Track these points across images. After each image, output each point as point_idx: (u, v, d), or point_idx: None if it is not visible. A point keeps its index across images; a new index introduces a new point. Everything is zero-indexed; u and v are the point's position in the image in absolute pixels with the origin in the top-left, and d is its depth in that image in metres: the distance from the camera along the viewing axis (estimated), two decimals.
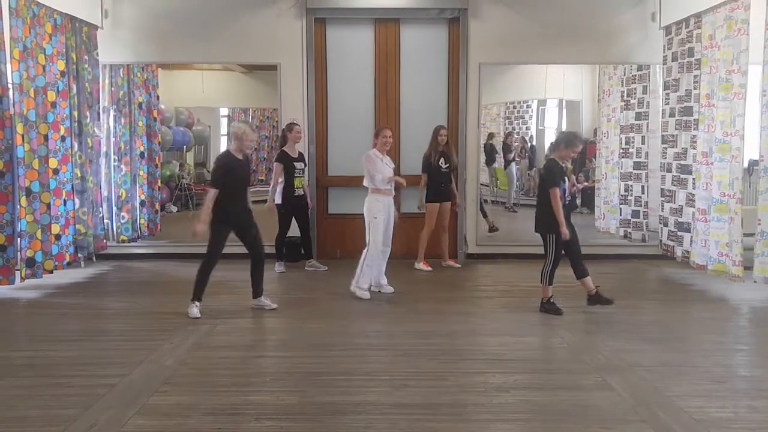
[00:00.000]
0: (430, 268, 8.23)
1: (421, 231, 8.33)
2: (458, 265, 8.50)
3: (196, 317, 6.07)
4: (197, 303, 6.17)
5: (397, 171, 8.20)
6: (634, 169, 9.51)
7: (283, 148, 8.20)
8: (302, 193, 8.24)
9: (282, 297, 6.51)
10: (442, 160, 8.26)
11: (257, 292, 6.45)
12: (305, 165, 8.37)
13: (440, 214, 8.38)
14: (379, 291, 7.03)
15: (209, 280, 6.22)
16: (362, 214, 6.98)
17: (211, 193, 6.06)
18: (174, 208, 13.86)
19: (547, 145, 15.58)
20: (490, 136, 14.48)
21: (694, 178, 7.81)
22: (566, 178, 6.30)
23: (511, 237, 10.43)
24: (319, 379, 4.63)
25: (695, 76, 7.83)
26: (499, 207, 12.66)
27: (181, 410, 4.08)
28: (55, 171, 7.54)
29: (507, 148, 13.75)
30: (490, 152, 13.14)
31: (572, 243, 6.26)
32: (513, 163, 13.55)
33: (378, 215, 6.85)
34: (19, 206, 6.93)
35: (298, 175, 8.16)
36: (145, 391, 4.36)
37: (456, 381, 4.62)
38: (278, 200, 8.17)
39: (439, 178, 8.28)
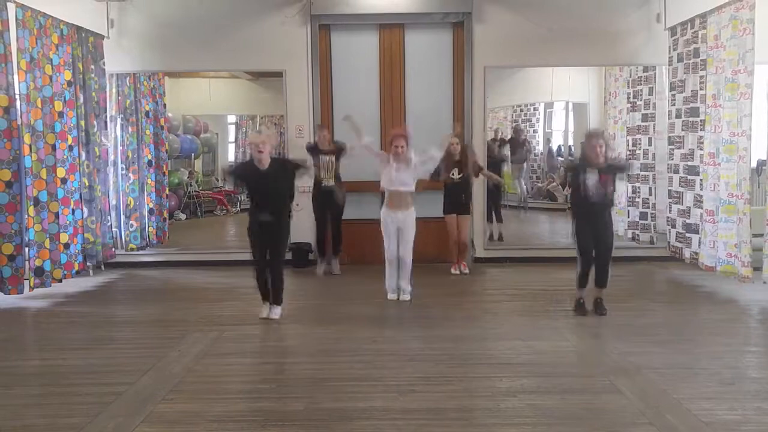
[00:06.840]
0: (467, 271, 8.25)
1: (448, 242, 8.25)
2: (467, 271, 8.37)
3: (262, 317, 6.28)
4: (266, 303, 6.34)
5: None
6: (641, 171, 9.47)
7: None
8: (331, 185, 8.22)
9: (290, 303, 6.51)
10: (455, 170, 8.13)
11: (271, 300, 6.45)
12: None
13: (457, 227, 8.32)
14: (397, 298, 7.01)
15: (262, 284, 6.31)
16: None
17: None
18: (183, 216, 13.93)
19: (555, 146, 15.63)
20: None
21: (701, 179, 7.77)
22: (590, 170, 6.12)
23: (519, 241, 10.42)
24: (326, 385, 4.63)
25: (701, 77, 7.79)
26: (507, 210, 12.57)
27: (188, 417, 4.09)
28: (63, 180, 7.59)
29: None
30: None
31: (602, 251, 6.23)
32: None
33: (382, 226, 6.89)
34: (26, 216, 6.97)
35: (324, 166, 8.17)
36: (152, 398, 4.37)
37: (463, 385, 4.61)
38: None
39: (455, 189, 8.17)
